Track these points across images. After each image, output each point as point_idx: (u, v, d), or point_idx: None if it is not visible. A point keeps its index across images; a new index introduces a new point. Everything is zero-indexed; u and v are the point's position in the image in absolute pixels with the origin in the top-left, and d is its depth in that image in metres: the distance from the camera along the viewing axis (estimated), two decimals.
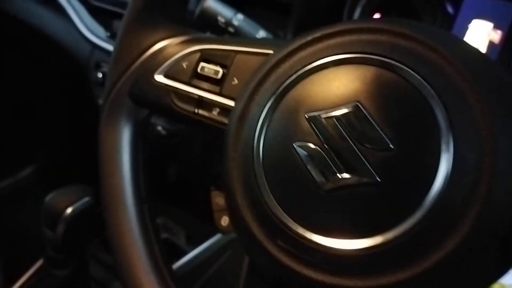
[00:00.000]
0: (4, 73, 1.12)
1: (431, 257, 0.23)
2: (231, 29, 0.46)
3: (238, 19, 0.46)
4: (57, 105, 1.15)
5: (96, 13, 0.81)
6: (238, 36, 0.46)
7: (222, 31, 0.46)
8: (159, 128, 0.68)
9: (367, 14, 0.65)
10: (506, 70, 0.27)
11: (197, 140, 0.70)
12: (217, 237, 0.79)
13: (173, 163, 0.87)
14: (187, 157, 0.77)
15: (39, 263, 0.72)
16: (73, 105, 1.11)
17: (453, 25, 0.61)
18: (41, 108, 1.16)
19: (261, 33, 0.46)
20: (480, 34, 0.60)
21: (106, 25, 0.79)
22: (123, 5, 0.75)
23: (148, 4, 0.37)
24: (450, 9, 0.61)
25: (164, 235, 0.87)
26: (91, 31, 0.78)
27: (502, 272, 0.26)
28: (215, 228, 0.83)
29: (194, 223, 0.87)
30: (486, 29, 0.60)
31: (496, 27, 0.59)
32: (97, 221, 0.62)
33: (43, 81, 1.11)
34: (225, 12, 0.46)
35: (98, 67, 0.76)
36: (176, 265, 0.73)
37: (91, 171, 0.45)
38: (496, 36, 0.59)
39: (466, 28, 0.60)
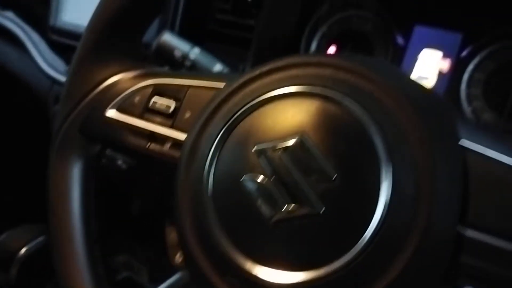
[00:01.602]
0: None
1: (377, 283, 0.23)
2: (187, 63, 0.46)
3: (194, 52, 0.46)
4: (13, 141, 1.12)
5: (56, 47, 0.81)
6: (195, 69, 0.47)
7: (179, 65, 0.47)
8: (119, 162, 0.67)
9: (323, 47, 0.68)
10: (445, 102, 0.29)
11: (158, 173, 0.70)
12: (180, 275, 0.77)
13: (135, 197, 0.86)
14: (148, 191, 0.76)
15: None
16: (30, 141, 1.08)
17: (404, 55, 0.64)
18: None
19: (218, 66, 0.47)
20: (430, 63, 0.63)
21: (66, 59, 0.79)
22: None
23: (101, 39, 0.37)
24: (400, 40, 0.64)
25: (126, 273, 0.84)
26: (50, 65, 0.77)
27: None
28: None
29: (157, 259, 0.85)
30: (436, 58, 0.63)
31: (445, 56, 0.62)
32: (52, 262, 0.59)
33: (4, 114, 1.08)
34: (181, 46, 0.46)
35: (57, 101, 0.75)
36: None
37: (45, 212, 0.44)
38: (445, 65, 0.62)
39: (416, 58, 0.63)
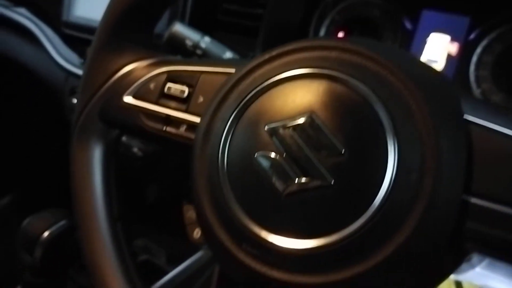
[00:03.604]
0: None
1: (380, 252, 0.25)
2: (199, 52, 0.48)
3: (205, 41, 0.48)
4: (32, 135, 1.15)
5: (69, 41, 0.83)
6: (206, 58, 0.48)
7: (190, 54, 0.48)
8: (135, 149, 0.69)
9: (331, 33, 0.69)
10: (448, 79, 0.30)
11: (172, 159, 0.72)
12: (197, 255, 0.79)
13: (150, 183, 0.88)
14: (163, 177, 0.78)
15: None
16: (49, 131, 1.11)
17: (412, 40, 0.65)
18: (17, 138, 1.16)
19: (228, 54, 0.48)
20: (438, 47, 0.63)
21: (80, 52, 0.81)
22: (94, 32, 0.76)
23: (115, 31, 0.39)
24: (408, 25, 0.65)
25: (144, 257, 0.87)
26: (65, 58, 0.79)
27: (451, 269, 0.28)
28: (195, 247, 0.84)
29: (174, 243, 0.87)
30: (444, 42, 0.63)
31: (453, 39, 0.63)
32: (75, 244, 0.62)
33: (18, 108, 1.11)
34: (192, 36, 0.48)
35: (72, 93, 0.77)
36: (157, 285, 0.73)
37: (67, 198, 0.46)
38: (453, 48, 0.63)
39: (425, 42, 0.64)
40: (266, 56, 0.32)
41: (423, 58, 0.64)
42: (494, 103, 0.60)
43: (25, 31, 0.88)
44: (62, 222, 0.61)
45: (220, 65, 0.36)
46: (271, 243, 0.27)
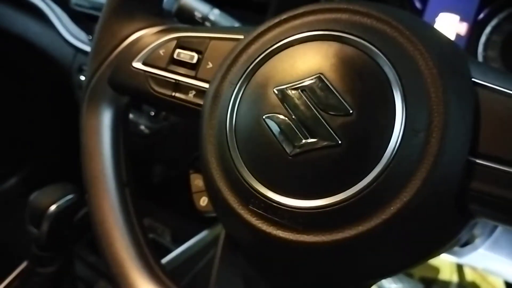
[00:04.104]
0: None
1: (386, 210, 0.25)
2: (207, 24, 0.48)
3: (214, 13, 0.48)
4: (40, 114, 1.16)
5: (78, 18, 0.83)
6: None
7: (200, 26, 0.49)
8: (142, 127, 0.69)
9: None
10: (456, 43, 0.30)
11: (179, 137, 0.72)
12: (202, 235, 0.80)
13: (156, 162, 0.89)
14: (170, 155, 0.78)
15: (23, 265, 0.73)
16: (57, 113, 1.11)
17: (422, 19, 0.64)
18: (25, 118, 1.17)
19: (237, 26, 0.49)
20: (447, 27, 0.63)
21: (88, 29, 0.81)
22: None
23: None
24: (418, 4, 0.64)
25: (150, 235, 0.88)
26: (73, 35, 0.79)
27: (456, 231, 0.28)
28: (200, 227, 0.84)
29: (179, 222, 0.88)
30: (453, 21, 0.63)
31: (462, 19, 0.62)
32: (82, 218, 0.63)
33: (25, 90, 1.12)
34: (201, 8, 0.48)
35: (81, 70, 0.77)
36: (163, 261, 0.74)
37: (75, 174, 0.46)
38: (462, 28, 0.62)
39: (434, 22, 0.64)
40: (276, 19, 0.32)
41: None
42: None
43: (33, 8, 0.88)
44: (69, 196, 0.62)
45: (229, 31, 0.36)
46: (278, 203, 0.27)
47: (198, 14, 0.48)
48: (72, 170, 0.58)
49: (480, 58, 0.61)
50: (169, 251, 0.82)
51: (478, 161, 0.26)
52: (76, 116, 0.41)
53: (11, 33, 0.93)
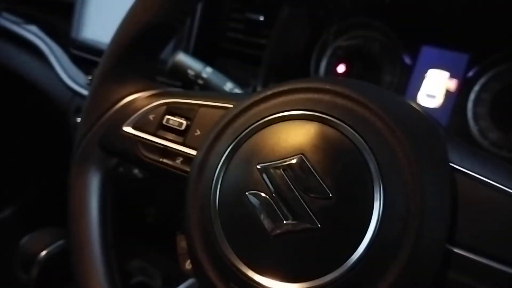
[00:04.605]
0: None
1: None
2: (200, 81, 0.49)
3: (206, 72, 0.49)
4: (36, 146, 1.16)
5: (77, 60, 0.85)
6: (207, 87, 0.49)
7: (192, 83, 0.50)
8: (135, 171, 0.70)
9: (332, 65, 0.70)
10: (437, 124, 0.31)
11: (170, 185, 0.72)
12: (192, 280, 0.79)
13: (149, 204, 0.89)
14: (163, 199, 0.79)
15: None
16: (52, 148, 1.12)
17: (411, 75, 0.66)
18: (19, 150, 1.18)
19: (229, 85, 0.50)
20: (437, 83, 0.64)
21: (87, 71, 0.82)
22: (101, 54, 0.78)
23: (120, 61, 0.40)
24: (407, 60, 0.66)
25: (139, 278, 0.87)
26: (71, 78, 0.81)
27: None
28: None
29: (170, 265, 0.87)
30: (442, 78, 0.64)
31: (451, 76, 0.64)
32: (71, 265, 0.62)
33: (23, 123, 1.13)
34: (194, 66, 0.49)
35: (77, 112, 0.79)
36: None
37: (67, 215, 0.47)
38: (452, 84, 0.64)
39: (423, 78, 0.65)
40: (262, 95, 0.32)
41: (422, 93, 0.65)
42: (491, 141, 0.60)
43: (35, 49, 0.90)
44: (60, 242, 0.62)
45: (218, 99, 0.37)
46: (257, 283, 0.27)
47: (191, 72, 0.49)
48: (64, 209, 0.58)
49: (469, 114, 0.62)
50: None
51: (455, 250, 0.26)
52: (70, 157, 0.41)
53: (11, 70, 0.95)
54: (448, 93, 0.64)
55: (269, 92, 0.32)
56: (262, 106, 0.32)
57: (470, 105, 0.62)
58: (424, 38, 0.65)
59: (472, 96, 0.62)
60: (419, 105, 0.32)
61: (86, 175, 0.40)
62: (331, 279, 0.26)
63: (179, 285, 0.79)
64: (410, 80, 0.66)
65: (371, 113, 0.28)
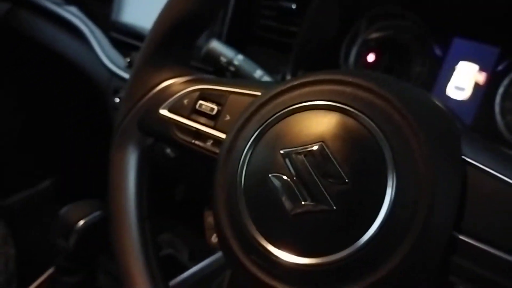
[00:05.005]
0: (27, 92, 1.20)
1: (371, 277, 0.28)
2: (232, 68, 0.52)
3: (238, 59, 0.52)
4: (76, 123, 1.23)
5: (116, 42, 0.88)
6: (238, 73, 0.52)
7: (224, 69, 0.52)
8: (168, 151, 0.74)
9: (362, 54, 0.71)
10: (452, 118, 0.32)
11: (200, 165, 0.76)
12: (217, 255, 0.83)
13: (180, 183, 0.93)
14: (192, 178, 0.82)
15: (50, 271, 0.78)
16: (91, 125, 1.18)
17: (441, 66, 0.66)
18: (61, 126, 1.24)
19: (258, 72, 0.52)
20: (466, 76, 0.65)
21: (125, 54, 0.86)
22: (140, 38, 0.81)
23: (158, 49, 0.43)
24: (438, 51, 0.66)
25: (168, 251, 0.92)
26: (110, 59, 0.85)
27: None
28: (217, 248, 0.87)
29: (197, 240, 0.92)
30: (472, 71, 0.64)
31: (481, 69, 0.64)
32: (107, 234, 0.67)
33: (64, 101, 1.19)
34: (227, 53, 0.52)
35: (115, 92, 0.83)
36: (177, 279, 0.78)
37: (103, 187, 0.51)
38: (481, 77, 0.64)
39: (453, 70, 0.65)
40: (288, 84, 0.35)
41: (451, 85, 0.65)
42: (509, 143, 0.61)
43: (75, 29, 0.94)
44: (97, 213, 0.67)
45: (248, 87, 0.39)
46: (276, 257, 0.30)
47: (223, 59, 0.52)
48: (101, 184, 0.62)
49: (497, 108, 0.62)
50: (185, 268, 0.85)
51: (461, 237, 0.28)
52: (109, 135, 0.45)
53: (53, 50, 0.99)
54: (477, 86, 0.64)
55: (295, 83, 0.35)
56: (288, 96, 0.34)
57: (498, 99, 0.62)
58: (456, 30, 0.65)
59: (500, 90, 0.62)
60: (439, 99, 0.33)
61: (125, 152, 0.43)
62: (342, 256, 0.28)
63: (204, 259, 0.84)
64: (440, 72, 0.66)
65: (389, 105, 0.30)
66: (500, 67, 0.62)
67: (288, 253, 0.30)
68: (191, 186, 0.89)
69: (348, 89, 0.32)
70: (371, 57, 0.71)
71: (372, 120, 0.30)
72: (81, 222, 0.65)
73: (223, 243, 0.34)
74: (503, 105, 0.62)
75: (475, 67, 0.64)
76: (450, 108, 0.34)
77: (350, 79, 0.32)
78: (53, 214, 0.70)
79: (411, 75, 0.68)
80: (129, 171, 0.43)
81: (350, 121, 0.31)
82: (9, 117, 1.19)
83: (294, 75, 0.63)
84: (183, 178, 0.87)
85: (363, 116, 0.30)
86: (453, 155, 0.29)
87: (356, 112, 0.31)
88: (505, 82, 0.62)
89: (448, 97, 0.66)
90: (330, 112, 0.32)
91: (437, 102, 0.33)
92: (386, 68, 0.70)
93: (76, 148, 1.22)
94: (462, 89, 0.65)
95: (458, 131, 0.31)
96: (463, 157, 0.30)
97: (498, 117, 0.62)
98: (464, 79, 0.65)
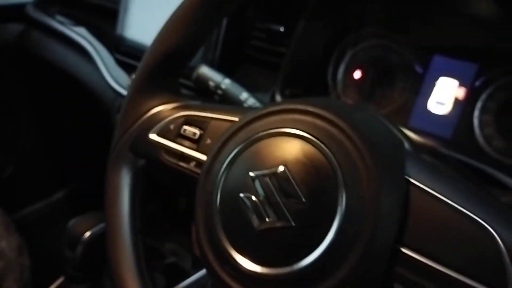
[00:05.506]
0: (40, 108, 1.27)
1: (328, 281, 0.32)
2: (219, 91, 0.56)
3: (225, 83, 0.56)
4: (87, 138, 1.29)
5: (121, 63, 0.94)
6: (225, 96, 0.57)
7: (213, 92, 0.57)
8: None
9: (349, 71, 0.75)
10: (399, 142, 0.36)
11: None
12: None
13: (182, 193, 0.98)
14: (194, 190, 0.87)
15: (60, 280, 0.83)
16: (100, 141, 1.24)
17: (423, 82, 0.70)
18: (71, 140, 1.30)
19: (244, 95, 0.57)
20: (446, 91, 0.68)
21: (130, 72, 0.91)
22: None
23: (148, 78, 0.48)
24: (418, 69, 0.70)
25: (172, 259, 0.96)
26: (115, 79, 0.90)
27: None
28: None
29: None
30: (452, 86, 0.68)
31: (460, 84, 0.67)
32: None
33: (75, 117, 1.25)
34: (214, 77, 0.57)
35: (119, 111, 0.88)
36: (180, 286, 0.82)
37: None
38: (461, 92, 0.67)
39: (434, 85, 0.69)
40: (259, 113, 0.39)
41: (432, 100, 0.69)
42: (496, 148, 0.64)
43: (82, 50, 1.00)
44: (102, 225, 0.72)
45: (227, 113, 0.44)
46: (244, 268, 0.35)
47: (211, 83, 0.56)
48: None
49: (476, 122, 0.65)
50: (188, 275, 0.90)
51: (403, 250, 0.32)
52: None
53: (63, 69, 1.05)
54: (456, 101, 0.67)
55: (264, 111, 0.39)
56: (258, 123, 0.39)
57: (476, 113, 0.65)
58: (436, 48, 0.69)
59: (479, 104, 0.65)
60: (389, 122, 0.38)
61: (119, 173, 0.48)
62: (299, 268, 0.32)
63: None
64: (421, 88, 0.70)
65: (342, 133, 0.34)
66: (478, 83, 0.66)
67: (255, 263, 0.35)
68: (191, 197, 0.93)
69: (307, 118, 0.36)
70: (357, 74, 0.75)
71: (326, 146, 0.34)
72: (88, 234, 0.70)
73: (202, 255, 0.38)
74: (482, 119, 0.65)
75: (455, 82, 0.68)
76: (399, 129, 0.38)
77: (310, 109, 0.37)
78: (65, 225, 0.75)
79: (394, 90, 0.72)
80: (123, 190, 0.48)
81: (308, 147, 0.35)
82: (23, 132, 1.26)
83: (282, 94, 0.67)
84: (184, 189, 0.91)
85: (320, 143, 0.35)
86: (397, 176, 0.33)
87: (314, 139, 0.35)
88: (483, 96, 0.65)
89: (430, 112, 0.69)
90: (293, 138, 0.36)
91: (388, 126, 0.37)
92: (372, 84, 0.74)
93: (86, 161, 1.28)
94: (442, 104, 0.68)
95: (403, 153, 0.35)
96: (406, 177, 0.33)
97: (477, 130, 0.65)
98: (444, 94, 0.68)
